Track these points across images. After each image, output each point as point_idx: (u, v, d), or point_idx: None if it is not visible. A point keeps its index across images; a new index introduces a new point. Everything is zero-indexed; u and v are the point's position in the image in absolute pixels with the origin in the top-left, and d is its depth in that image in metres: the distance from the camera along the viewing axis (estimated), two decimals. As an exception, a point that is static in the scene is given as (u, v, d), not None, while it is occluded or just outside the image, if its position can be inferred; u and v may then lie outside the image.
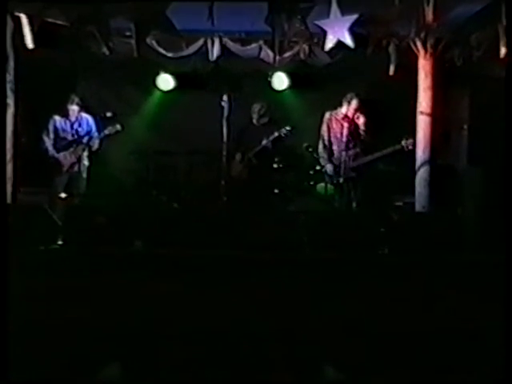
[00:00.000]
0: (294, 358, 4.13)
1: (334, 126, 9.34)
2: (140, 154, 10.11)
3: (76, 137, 9.47)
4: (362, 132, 9.23)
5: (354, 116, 9.23)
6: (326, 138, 9.38)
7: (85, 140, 9.45)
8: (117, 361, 4.04)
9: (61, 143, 9.45)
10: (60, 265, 6.95)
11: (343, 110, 9.26)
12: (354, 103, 9.20)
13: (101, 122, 9.54)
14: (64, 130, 9.49)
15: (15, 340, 4.03)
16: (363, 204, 9.05)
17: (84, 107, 9.60)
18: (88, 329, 4.63)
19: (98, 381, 3.76)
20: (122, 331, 4.61)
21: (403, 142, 8.80)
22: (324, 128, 9.41)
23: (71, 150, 9.42)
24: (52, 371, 3.79)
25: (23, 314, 4.63)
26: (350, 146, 9.22)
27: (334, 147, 9.33)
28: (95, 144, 9.51)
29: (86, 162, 9.52)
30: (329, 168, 9.29)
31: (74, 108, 9.46)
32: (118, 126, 9.30)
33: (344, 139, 9.22)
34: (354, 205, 9.07)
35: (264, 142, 9.71)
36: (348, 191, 9.19)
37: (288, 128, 9.57)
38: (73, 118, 9.50)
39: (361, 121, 9.25)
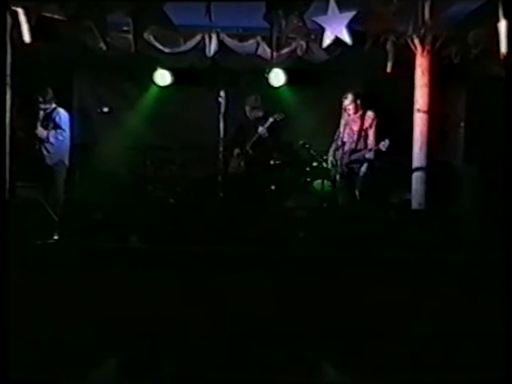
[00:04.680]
0: (291, 355, 4.14)
1: (346, 121, 9.40)
2: (136, 149, 10.10)
3: (37, 131, 9.45)
4: (368, 130, 9.28)
5: (362, 113, 9.30)
6: (337, 132, 9.43)
7: (45, 134, 9.42)
8: (115, 358, 4.04)
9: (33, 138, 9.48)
10: (56, 259, 6.95)
11: (352, 107, 9.32)
12: (360, 101, 9.31)
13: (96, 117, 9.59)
14: (31, 126, 9.50)
15: (12, 335, 4.02)
16: (360, 201, 9.06)
17: (58, 101, 9.60)
18: (85, 325, 4.63)
19: (97, 380, 3.75)
20: (119, 327, 4.61)
21: (380, 145, 8.88)
22: (341, 124, 9.45)
23: (37, 144, 9.41)
24: (51, 369, 3.79)
25: (20, 309, 4.63)
26: (352, 141, 9.29)
27: (339, 142, 9.38)
28: (60, 137, 9.46)
29: (64, 157, 9.52)
30: (329, 159, 9.35)
31: (38, 102, 9.47)
32: (105, 109, 9.29)
33: (349, 135, 9.32)
34: (351, 201, 9.08)
35: (260, 129, 9.74)
36: (345, 188, 9.21)
37: (280, 114, 9.61)
38: (38, 112, 9.49)
39: (369, 117, 9.31)
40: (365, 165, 9.19)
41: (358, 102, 9.37)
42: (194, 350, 4.19)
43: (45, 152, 9.42)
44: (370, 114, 9.33)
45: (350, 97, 9.35)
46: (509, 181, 5.25)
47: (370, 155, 9.15)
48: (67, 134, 9.54)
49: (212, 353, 4.16)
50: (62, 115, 9.52)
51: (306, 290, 5.89)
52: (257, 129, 9.79)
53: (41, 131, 9.38)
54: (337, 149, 9.38)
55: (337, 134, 9.42)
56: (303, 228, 7.79)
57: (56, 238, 7.70)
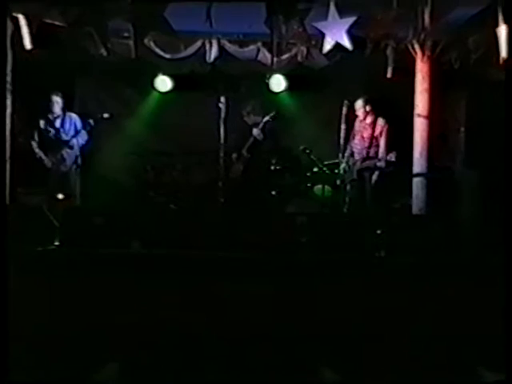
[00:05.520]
0: (292, 359, 4.14)
1: (356, 128, 9.41)
2: (137, 154, 10.11)
3: (59, 136, 9.49)
4: (378, 137, 9.27)
5: (373, 120, 9.31)
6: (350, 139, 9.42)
7: (69, 138, 9.45)
8: (116, 362, 4.05)
9: (45, 144, 9.47)
10: (57, 265, 6.95)
11: (361, 112, 9.33)
12: (369, 108, 9.32)
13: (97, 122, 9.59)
14: (48, 131, 9.51)
15: (11, 339, 4.03)
16: (361, 206, 9.06)
17: (68, 105, 9.62)
18: (86, 330, 4.64)
19: (97, 381, 3.76)
20: (119, 331, 4.62)
21: (388, 156, 8.92)
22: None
23: (56, 150, 9.43)
24: (51, 371, 3.80)
25: (20, 314, 4.63)
26: (362, 148, 9.30)
27: (350, 148, 9.38)
28: (80, 141, 9.49)
29: (78, 161, 9.50)
30: (343, 165, 9.30)
31: (56, 106, 9.49)
32: (106, 115, 9.27)
33: (360, 142, 9.33)
34: (360, 207, 9.07)
35: (254, 131, 9.75)
36: (355, 194, 9.19)
37: (272, 114, 9.63)
38: (55, 118, 9.52)
39: (379, 124, 9.30)
40: (376, 173, 9.18)
41: (368, 108, 9.37)
42: (196, 354, 4.20)
43: (67, 157, 9.45)
44: (380, 121, 9.32)
45: (359, 102, 9.35)
46: (509, 185, 5.26)
47: (381, 164, 9.13)
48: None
49: (213, 357, 4.17)
50: (78, 120, 9.56)
51: (308, 295, 5.89)
52: (251, 132, 9.82)
53: (72, 139, 9.42)
54: (351, 155, 9.37)
55: (350, 140, 9.40)
56: (304, 233, 7.79)
57: (57, 244, 7.70)
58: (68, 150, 9.47)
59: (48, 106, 9.55)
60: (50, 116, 9.55)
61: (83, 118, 9.58)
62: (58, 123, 9.57)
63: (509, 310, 4.21)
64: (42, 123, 9.52)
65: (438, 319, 5.18)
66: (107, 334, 4.60)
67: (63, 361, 4.00)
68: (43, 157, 9.45)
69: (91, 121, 9.29)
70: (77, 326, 4.74)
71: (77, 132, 9.50)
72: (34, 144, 9.48)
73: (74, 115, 9.61)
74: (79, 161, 9.55)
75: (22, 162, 9.01)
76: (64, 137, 9.51)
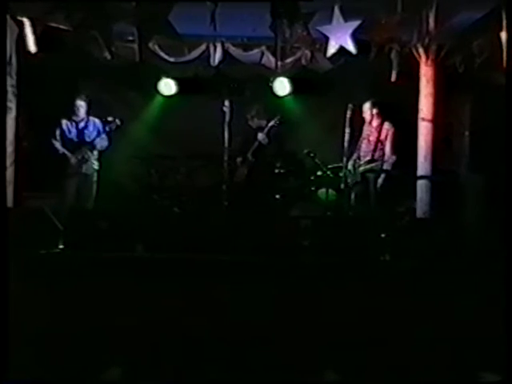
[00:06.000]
0: (295, 361, 4.15)
1: (364, 132, 9.41)
2: (142, 158, 10.13)
3: (81, 138, 9.48)
4: (384, 141, 9.26)
5: (380, 123, 9.30)
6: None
7: (91, 141, 9.45)
8: (117, 364, 4.06)
9: (68, 145, 9.45)
10: (61, 269, 6.96)
11: (367, 114, 9.33)
12: (376, 111, 9.31)
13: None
14: (70, 132, 9.49)
15: (15, 342, 4.04)
16: (365, 209, 9.06)
17: (91, 109, 9.64)
18: (89, 332, 4.65)
19: (97, 381, 3.77)
20: (123, 334, 4.63)
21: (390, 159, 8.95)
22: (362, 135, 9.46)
23: (78, 151, 9.41)
24: (52, 372, 3.81)
25: (23, 317, 4.64)
26: (368, 151, 9.29)
27: (357, 152, 9.37)
28: (102, 145, 9.48)
29: (95, 165, 9.48)
30: (349, 167, 9.28)
31: (81, 110, 9.47)
32: (118, 121, 9.26)
33: (366, 145, 9.32)
34: (363, 210, 9.06)
35: (259, 135, 9.73)
36: (350, 196, 9.19)
37: (277, 118, 9.60)
38: (79, 120, 9.50)
39: (385, 128, 9.29)
40: (382, 176, 9.16)
41: (375, 111, 9.35)
42: (200, 358, 4.21)
43: (88, 160, 9.42)
44: (386, 125, 9.30)
45: (367, 105, 9.36)
46: (510, 189, 5.26)
47: (387, 166, 9.12)
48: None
49: (217, 359, 4.18)
50: (101, 125, 9.54)
51: (311, 298, 5.89)
52: (256, 137, 9.80)
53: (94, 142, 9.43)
54: (358, 158, 9.36)
55: (358, 144, 9.38)
56: (308, 236, 7.79)
57: (61, 247, 7.70)
58: (90, 154, 9.44)
59: (72, 108, 9.51)
60: (74, 119, 9.51)
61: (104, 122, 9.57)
62: (81, 126, 9.54)
63: (510, 314, 4.21)
64: (64, 126, 9.49)
65: (440, 322, 5.18)
66: (111, 337, 4.61)
67: (67, 363, 4.01)
68: (69, 155, 9.39)
69: (111, 125, 9.31)
70: (80, 328, 4.76)
71: (98, 137, 9.45)
72: (57, 143, 9.44)
73: (97, 120, 9.54)
74: (97, 165, 9.51)
75: (27, 166, 9.02)
76: (87, 139, 9.49)
